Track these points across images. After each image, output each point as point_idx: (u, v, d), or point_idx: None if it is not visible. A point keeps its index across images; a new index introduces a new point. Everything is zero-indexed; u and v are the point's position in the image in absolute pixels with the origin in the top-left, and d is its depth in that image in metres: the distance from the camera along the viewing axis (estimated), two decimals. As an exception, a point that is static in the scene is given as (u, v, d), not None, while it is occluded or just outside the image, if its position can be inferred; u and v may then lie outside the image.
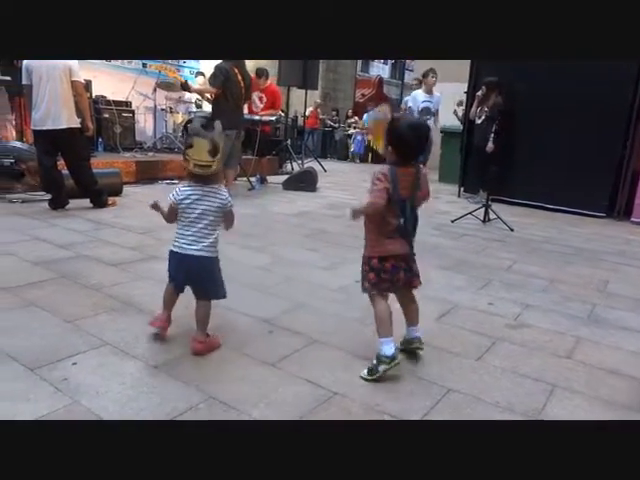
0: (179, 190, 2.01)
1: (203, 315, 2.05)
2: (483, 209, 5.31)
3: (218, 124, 1.99)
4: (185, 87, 6.40)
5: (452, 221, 5.25)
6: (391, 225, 1.93)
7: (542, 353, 2.24)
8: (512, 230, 4.96)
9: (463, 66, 7.57)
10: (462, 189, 7.54)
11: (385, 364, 1.88)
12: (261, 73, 6.99)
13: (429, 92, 6.40)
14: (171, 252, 2.05)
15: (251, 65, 7.40)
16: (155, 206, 2.04)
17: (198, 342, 2.02)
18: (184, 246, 2.00)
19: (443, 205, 6.52)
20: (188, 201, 1.99)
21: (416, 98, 6.47)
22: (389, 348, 1.89)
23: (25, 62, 4.40)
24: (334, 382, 1.86)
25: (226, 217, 2.08)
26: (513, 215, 5.72)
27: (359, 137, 13.81)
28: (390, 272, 1.96)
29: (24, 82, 4.37)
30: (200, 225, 1.99)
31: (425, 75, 6.43)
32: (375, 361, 1.90)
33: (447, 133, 9.13)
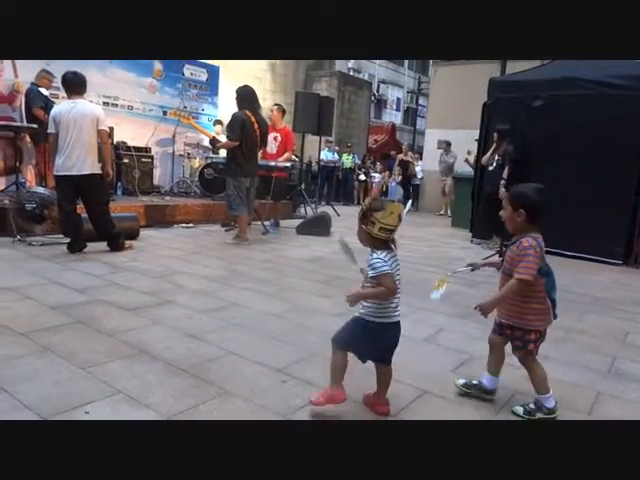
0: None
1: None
2: (497, 256, 5.28)
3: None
4: (213, 143, 7.04)
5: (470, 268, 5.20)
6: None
7: (560, 408, 2.17)
8: (527, 277, 4.89)
9: (475, 113, 7.74)
10: (471, 235, 7.52)
11: (543, 413, 2.06)
12: (284, 110, 7.07)
13: None
14: (394, 323, 1.93)
15: (268, 103, 7.67)
16: None
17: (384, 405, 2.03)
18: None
19: (457, 251, 6.50)
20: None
21: None
22: (552, 402, 2.08)
23: (52, 112, 4.58)
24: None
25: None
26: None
27: (393, 184, 13.69)
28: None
29: (49, 131, 4.55)
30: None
31: None
32: (533, 406, 2.08)
33: (459, 179, 9.24)
